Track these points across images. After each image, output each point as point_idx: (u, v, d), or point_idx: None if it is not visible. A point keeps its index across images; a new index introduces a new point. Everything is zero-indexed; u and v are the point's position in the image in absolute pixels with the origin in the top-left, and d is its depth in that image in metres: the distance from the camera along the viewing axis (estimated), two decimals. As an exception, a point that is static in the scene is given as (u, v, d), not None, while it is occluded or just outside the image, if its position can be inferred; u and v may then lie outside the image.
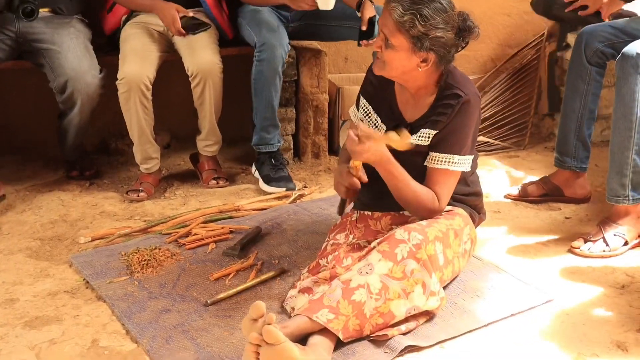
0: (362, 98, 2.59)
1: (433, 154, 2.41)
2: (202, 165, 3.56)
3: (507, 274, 2.60)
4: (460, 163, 2.41)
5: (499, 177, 3.65)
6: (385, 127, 2.51)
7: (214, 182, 3.48)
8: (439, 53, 2.29)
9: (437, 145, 2.40)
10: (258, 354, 1.95)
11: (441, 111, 2.38)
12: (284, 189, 3.38)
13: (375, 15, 3.19)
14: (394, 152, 2.29)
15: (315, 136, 3.86)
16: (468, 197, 2.57)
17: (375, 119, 2.54)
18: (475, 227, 2.59)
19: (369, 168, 2.38)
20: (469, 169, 2.48)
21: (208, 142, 3.49)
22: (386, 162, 2.31)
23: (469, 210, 2.55)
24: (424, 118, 2.43)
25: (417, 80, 2.39)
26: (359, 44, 3.27)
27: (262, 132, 3.47)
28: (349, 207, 2.65)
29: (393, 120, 2.50)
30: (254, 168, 3.56)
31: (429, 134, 2.40)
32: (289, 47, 3.43)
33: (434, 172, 2.41)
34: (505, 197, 3.35)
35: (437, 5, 2.24)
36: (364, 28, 3.21)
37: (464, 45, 2.35)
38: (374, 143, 2.25)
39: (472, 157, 2.47)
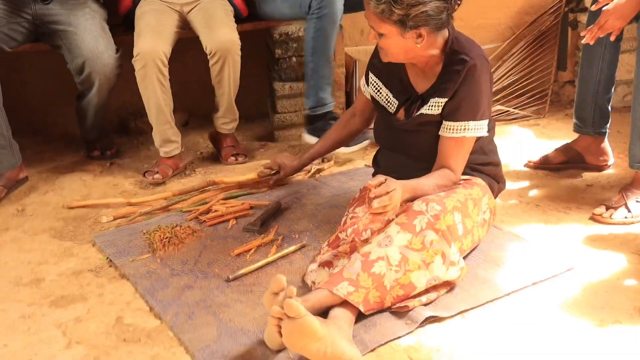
0: (370, 74, 2.58)
1: (447, 123, 2.39)
2: (220, 142, 3.57)
3: (528, 243, 2.59)
4: (477, 128, 2.40)
5: (519, 145, 3.63)
6: (397, 102, 2.50)
7: (233, 158, 3.49)
8: (430, 24, 2.27)
9: (450, 113, 2.38)
10: (280, 327, 1.96)
11: (448, 78, 2.36)
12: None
13: None
14: (404, 125, 2.25)
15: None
16: (486, 166, 2.55)
17: (387, 94, 2.53)
18: (495, 197, 2.57)
19: (385, 141, 2.34)
20: (486, 134, 2.46)
21: (225, 120, 3.49)
22: (411, 192, 2.29)
23: (487, 180, 2.53)
24: (433, 87, 2.41)
25: (422, 55, 2.37)
26: None
27: (319, 92, 3.44)
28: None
29: (405, 94, 2.48)
30: (306, 135, 3.53)
31: (440, 102, 2.39)
32: None
33: (449, 141, 2.40)
34: (525, 165, 3.34)
35: None
36: None
37: (459, 3, 2.30)
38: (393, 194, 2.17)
39: (487, 121, 2.44)
